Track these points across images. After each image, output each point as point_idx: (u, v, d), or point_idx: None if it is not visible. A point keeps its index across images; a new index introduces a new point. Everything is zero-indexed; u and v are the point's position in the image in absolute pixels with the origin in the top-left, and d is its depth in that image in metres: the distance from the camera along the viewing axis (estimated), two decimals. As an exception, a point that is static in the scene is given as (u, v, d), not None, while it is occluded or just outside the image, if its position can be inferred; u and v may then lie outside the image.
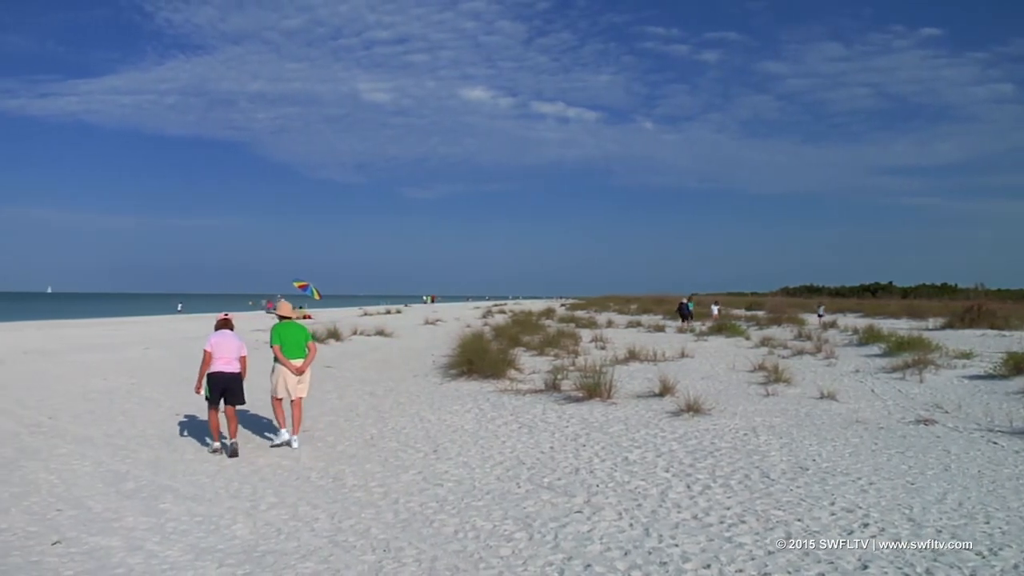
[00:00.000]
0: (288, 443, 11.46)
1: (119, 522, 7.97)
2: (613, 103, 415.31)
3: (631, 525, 7.25)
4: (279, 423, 11.61)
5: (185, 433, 12.58)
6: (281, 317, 12.15)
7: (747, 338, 30.70)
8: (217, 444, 11.22)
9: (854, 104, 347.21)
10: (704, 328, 35.59)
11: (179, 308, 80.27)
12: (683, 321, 39.49)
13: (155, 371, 20.58)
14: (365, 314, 67.53)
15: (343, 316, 60.83)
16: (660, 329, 37.34)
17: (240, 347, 11.49)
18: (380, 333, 34.86)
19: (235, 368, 11.32)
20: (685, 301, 41.55)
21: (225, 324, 11.78)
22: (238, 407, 11.49)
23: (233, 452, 10.93)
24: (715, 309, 46.98)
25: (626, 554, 6.44)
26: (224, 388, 11.18)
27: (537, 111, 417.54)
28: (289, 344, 11.70)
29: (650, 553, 6.44)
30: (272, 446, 11.57)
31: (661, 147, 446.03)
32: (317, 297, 70.28)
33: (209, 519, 8.03)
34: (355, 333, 34.11)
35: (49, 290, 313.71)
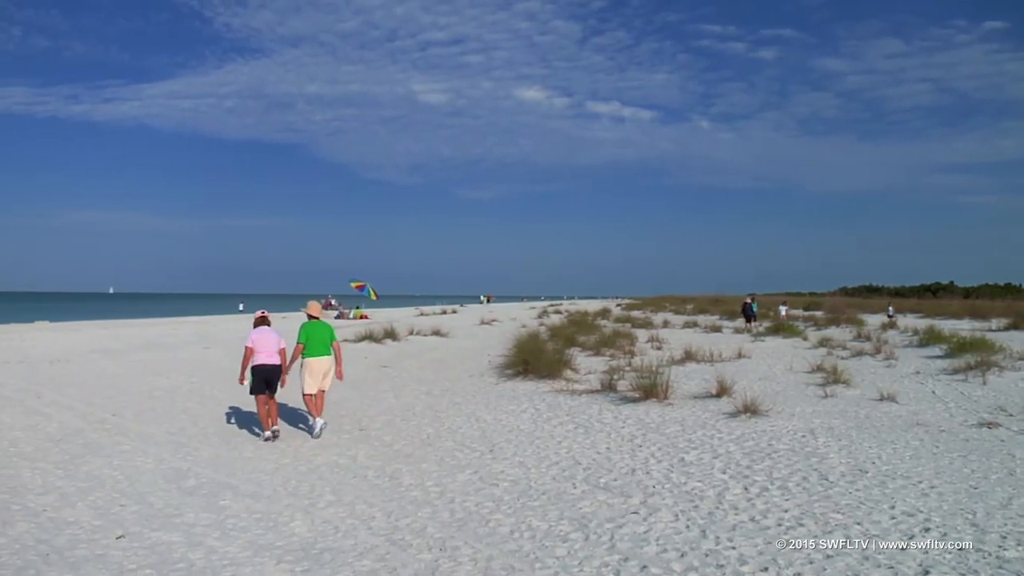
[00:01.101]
0: (320, 432, 12.43)
1: (180, 518, 8.12)
2: (668, 102, 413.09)
3: (688, 527, 7.22)
4: (313, 413, 12.56)
5: (244, 431, 12.76)
6: (309, 316, 12.94)
7: (805, 339, 30.34)
8: (268, 433, 12.15)
9: (914, 101, 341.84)
10: (761, 329, 35.26)
11: (241, 308, 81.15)
12: (747, 322, 38.81)
13: (215, 370, 20.85)
14: (421, 314, 67.81)
15: (399, 316, 61.13)
16: (717, 329, 37.08)
17: (279, 341, 12.46)
18: (436, 333, 34.98)
19: (276, 360, 12.30)
20: (749, 301, 40.78)
21: (263, 321, 12.80)
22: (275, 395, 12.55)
23: (275, 436, 12.14)
24: (783, 310, 45.84)
25: (683, 556, 6.42)
26: (267, 378, 12.19)
27: (592, 111, 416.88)
28: (314, 342, 12.53)
29: (707, 555, 6.41)
30: (314, 436, 12.34)
31: (717, 146, 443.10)
32: (374, 297, 71.06)
33: (268, 516, 8.14)
34: (411, 333, 34.26)
35: (111, 290, 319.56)
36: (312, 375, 12.38)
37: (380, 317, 57.14)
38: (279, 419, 12.89)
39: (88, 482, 9.50)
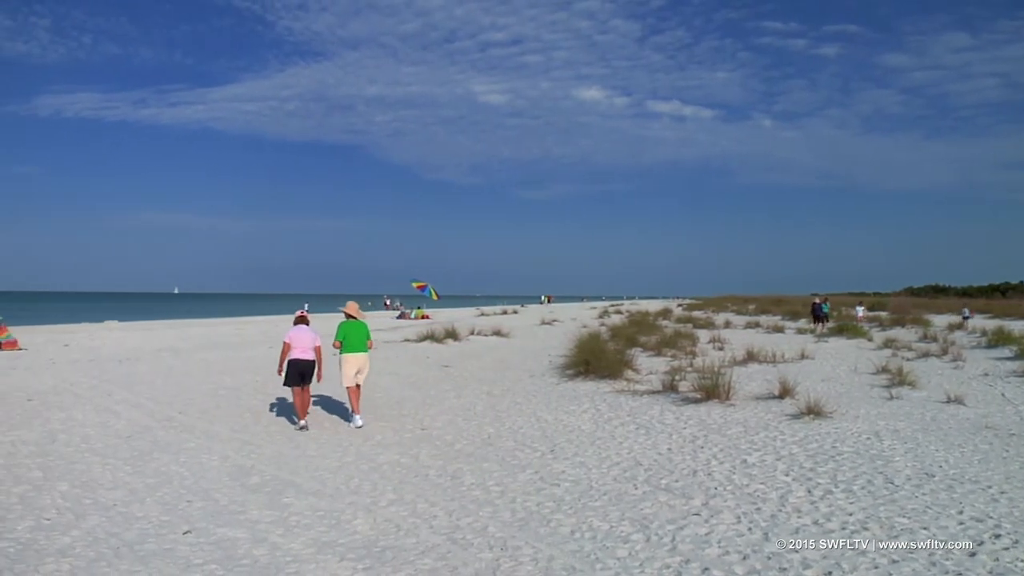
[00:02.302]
0: (350, 421, 13.43)
1: (244, 514, 8.25)
2: (730, 100, 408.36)
3: (750, 529, 7.16)
4: (352, 409, 13.44)
5: (307, 430, 12.90)
6: (348, 316, 13.89)
7: (869, 339, 29.93)
8: (303, 422, 13.12)
9: (981, 96, 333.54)
10: (824, 330, 34.81)
11: (306, 308, 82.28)
12: (816, 323, 38.11)
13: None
14: (482, 314, 67.99)
15: (460, 316, 61.37)
16: (779, 330, 36.71)
17: (314, 339, 13.48)
18: (497, 333, 35.03)
19: (310, 356, 13.31)
20: (819, 302, 39.95)
21: (301, 320, 13.85)
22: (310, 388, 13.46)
23: (302, 428, 13.00)
24: (859, 311, 45.01)
25: (745, 558, 6.37)
26: (301, 372, 13.16)
27: (652, 110, 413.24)
28: (351, 340, 13.49)
29: (769, 558, 6.35)
30: (356, 427, 13.20)
31: (779, 144, 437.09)
32: (435, 297, 71.33)
33: (330, 514, 8.24)
34: (472, 333, 34.36)
35: (176, 291, 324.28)
36: (349, 370, 13.32)
37: (441, 317, 57.41)
38: (310, 409, 13.76)
39: (156, 478, 9.70)
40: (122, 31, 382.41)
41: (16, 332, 29.50)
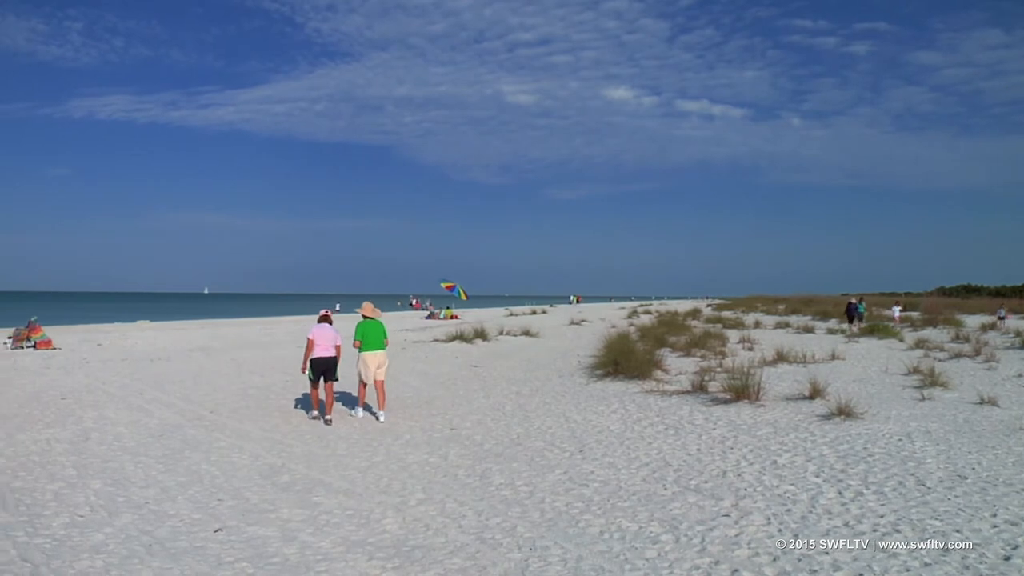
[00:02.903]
0: (375, 416, 14.02)
1: (275, 513, 8.30)
2: (759, 99, 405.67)
3: (780, 530, 7.12)
4: (360, 400, 14.43)
5: (337, 429, 12.97)
6: (364, 316, 14.41)
7: (900, 340, 29.69)
8: (315, 412, 14.00)
9: (1014, 94, 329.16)
10: (856, 330, 34.56)
11: (337, 308, 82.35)
12: (851, 323, 37.64)
13: (309, 368, 21.22)
14: (511, 314, 68.04)
15: (489, 316, 61.44)
16: (809, 330, 36.46)
17: (336, 337, 14.07)
18: (526, 333, 35.06)
19: (332, 353, 13.91)
20: (854, 301, 39.40)
21: (325, 319, 14.40)
22: (334, 384, 14.06)
23: (327, 422, 13.48)
24: (896, 311, 44.35)
25: (775, 560, 6.34)
26: (323, 369, 13.77)
27: (681, 109, 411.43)
28: (369, 339, 14.12)
29: (799, 560, 6.32)
30: (349, 415, 14.25)
31: (809, 143, 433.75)
32: (464, 297, 71.45)
33: (360, 513, 8.27)
34: (501, 333, 34.40)
35: (205, 291, 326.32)
36: (366, 367, 14.00)
37: (470, 317, 57.53)
38: (334, 405, 14.23)
39: (187, 476, 9.78)
40: (153, 34, 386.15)
41: (50, 332, 29.82)
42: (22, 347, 27.18)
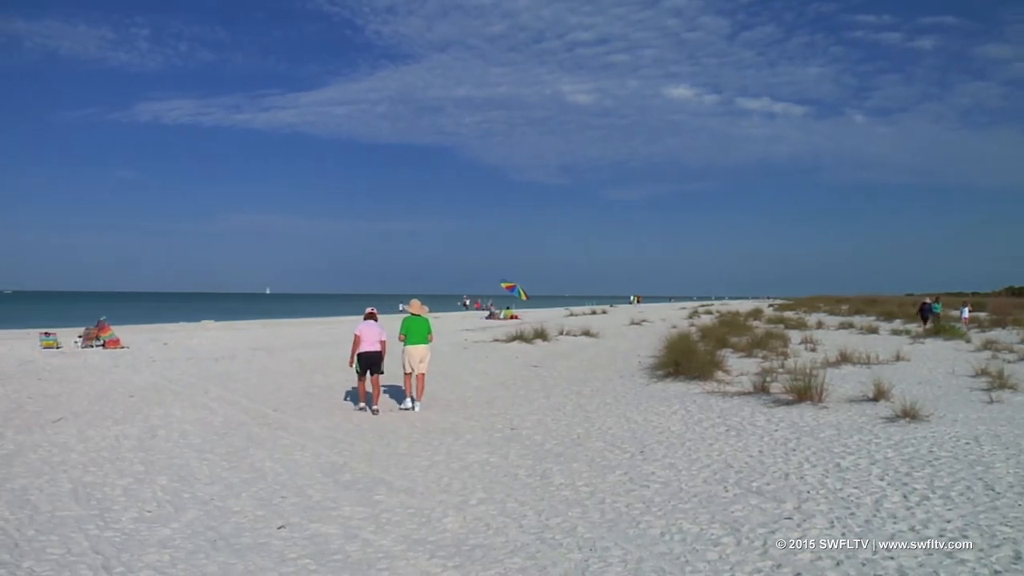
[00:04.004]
0: (411, 408, 15.00)
1: (337, 511, 8.41)
2: (822, 96, 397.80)
3: (844, 534, 7.02)
4: (407, 392, 15.36)
5: (398, 428, 13.08)
6: (411, 313, 15.63)
7: (967, 341, 29.11)
8: (362, 404, 14.98)
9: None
10: (922, 330, 33.97)
11: (401, 308, 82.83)
12: (924, 323, 36.74)
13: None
14: (571, 314, 67.97)
15: (549, 316, 61.45)
16: (873, 331, 35.89)
17: (381, 333, 15.19)
18: (586, 333, 34.99)
19: (378, 348, 14.97)
20: (929, 302, 38.42)
21: (371, 316, 15.60)
22: (381, 377, 15.27)
23: (374, 412, 14.57)
24: (965, 311, 43.27)
25: (838, 564, 6.25)
26: (369, 363, 14.88)
27: (742, 107, 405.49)
28: (413, 334, 15.26)
29: (864, 564, 6.22)
30: (400, 408, 15.16)
31: (873, 141, 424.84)
32: (524, 297, 71.72)
33: (421, 511, 8.34)
34: (561, 333, 34.37)
35: (267, 291, 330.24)
36: (410, 360, 15.12)
37: (530, 317, 57.58)
38: (381, 397, 15.44)
39: (251, 474, 9.94)
40: (217, 38, 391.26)
41: (118, 331, 30.43)
42: (91, 346, 27.81)
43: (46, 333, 29.60)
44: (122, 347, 27.66)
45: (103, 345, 27.82)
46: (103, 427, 12.75)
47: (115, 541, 7.31)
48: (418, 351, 15.12)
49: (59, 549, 7.05)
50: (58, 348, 26.99)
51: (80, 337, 28.95)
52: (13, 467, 10.12)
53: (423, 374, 15.27)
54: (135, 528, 7.72)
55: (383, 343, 15.08)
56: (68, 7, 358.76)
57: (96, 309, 54.31)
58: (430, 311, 16.02)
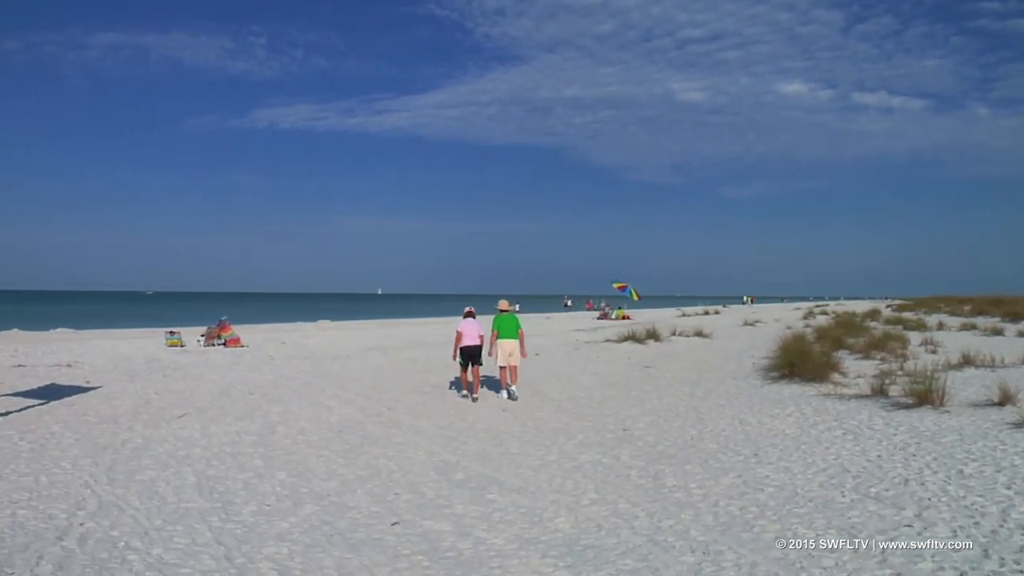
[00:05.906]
0: (509, 396, 16.52)
1: (449, 508, 8.52)
2: (942, 89, 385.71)
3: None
4: (503, 384, 16.98)
5: (509, 428, 13.16)
6: (500, 311, 17.33)
7: (1104, 344, 27.85)
8: (464, 392, 16.77)
9: None
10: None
11: (516, 308, 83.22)
12: None
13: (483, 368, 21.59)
14: (683, 315, 67.41)
15: (661, 317, 61.03)
16: (998, 332, 34.60)
17: (479, 328, 16.98)
18: (699, 334, 34.63)
19: (477, 343, 16.78)
20: None
21: (470, 314, 17.29)
22: (480, 368, 16.84)
23: (474, 400, 16.15)
24: None
25: (961, 575, 6.07)
26: (470, 356, 16.61)
27: (858, 102, 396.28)
28: (502, 330, 16.90)
29: None
30: (509, 399, 16.44)
31: (998, 134, 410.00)
32: (636, 298, 71.34)
33: (533, 511, 8.39)
34: (674, 334, 34.11)
35: (379, 291, 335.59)
36: (502, 352, 16.74)
37: (642, 318, 57.28)
38: (480, 387, 16.92)
39: (366, 471, 10.15)
40: (330, 45, 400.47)
41: (239, 330, 31.37)
42: (213, 345, 28.73)
43: (171, 332, 30.71)
44: (242, 346, 28.51)
45: (224, 344, 28.70)
46: (225, 423, 13.16)
47: (236, 533, 7.55)
48: (508, 345, 16.78)
49: (185, 539, 7.33)
50: (182, 347, 27.96)
51: (202, 336, 29.93)
52: (142, 460, 10.54)
53: (516, 366, 16.86)
54: (255, 521, 7.97)
55: (481, 337, 16.90)
56: (191, 19, 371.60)
57: (218, 309, 56.00)
58: (529, 312, 17.38)
